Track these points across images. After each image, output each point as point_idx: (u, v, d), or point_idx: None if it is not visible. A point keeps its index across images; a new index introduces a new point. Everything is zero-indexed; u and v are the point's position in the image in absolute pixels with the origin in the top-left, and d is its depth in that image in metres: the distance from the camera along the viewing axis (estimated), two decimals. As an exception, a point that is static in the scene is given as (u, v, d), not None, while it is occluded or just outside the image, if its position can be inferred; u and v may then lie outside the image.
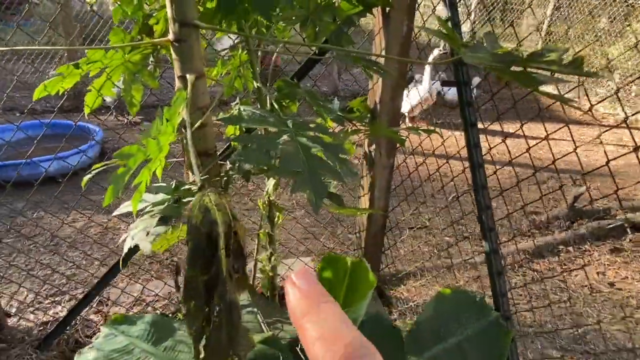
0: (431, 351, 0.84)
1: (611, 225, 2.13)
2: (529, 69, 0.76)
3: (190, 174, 1.01)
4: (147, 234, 0.80)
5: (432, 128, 1.24)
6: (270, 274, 1.24)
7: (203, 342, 0.50)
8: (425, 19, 1.23)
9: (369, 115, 1.35)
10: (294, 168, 0.72)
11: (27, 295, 1.62)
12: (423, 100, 3.93)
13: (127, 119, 3.68)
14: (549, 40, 5.14)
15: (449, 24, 0.99)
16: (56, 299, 1.62)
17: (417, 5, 1.19)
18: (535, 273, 1.89)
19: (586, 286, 1.79)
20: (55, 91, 1.01)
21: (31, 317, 1.53)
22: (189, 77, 0.86)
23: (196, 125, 0.90)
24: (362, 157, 1.47)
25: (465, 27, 5.64)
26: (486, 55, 0.78)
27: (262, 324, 0.94)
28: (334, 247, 2.03)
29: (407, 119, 4.19)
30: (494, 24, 6.19)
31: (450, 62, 1.09)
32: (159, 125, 0.83)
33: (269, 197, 1.16)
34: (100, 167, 0.91)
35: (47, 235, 2.03)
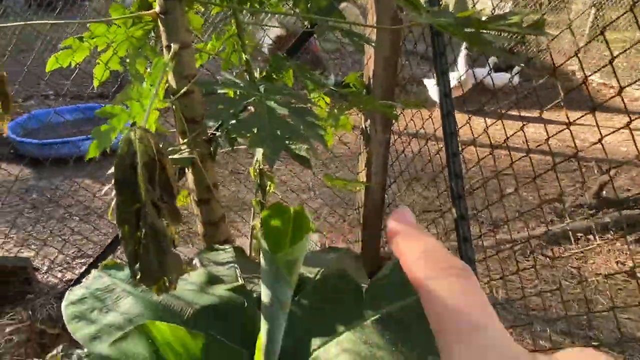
0: (390, 307, 0.87)
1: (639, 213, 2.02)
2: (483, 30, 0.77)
3: (180, 139, 1.09)
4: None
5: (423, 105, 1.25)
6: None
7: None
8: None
9: (364, 90, 1.37)
10: (254, 126, 0.77)
11: (57, 256, 1.80)
12: (454, 87, 3.83)
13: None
14: (597, 26, 4.83)
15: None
16: (82, 260, 1.79)
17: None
18: (548, 259, 1.84)
19: (601, 274, 1.72)
20: (66, 64, 1.11)
21: (58, 275, 1.70)
22: (174, 47, 0.93)
23: (181, 92, 0.98)
24: (360, 133, 1.50)
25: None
26: (447, 19, 0.79)
27: (239, 277, 1.01)
28: (341, 226, 2.07)
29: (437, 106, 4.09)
30: (540, 10, 5.90)
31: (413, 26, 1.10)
32: (139, 88, 0.91)
33: (259, 166, 1.22)
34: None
35: (80, 206, 2.22)
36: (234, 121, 0.84)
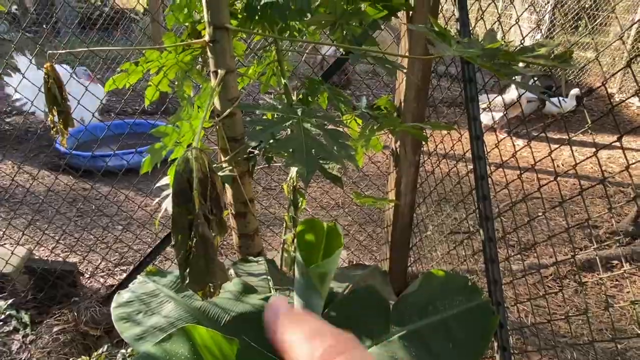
0: (415, 324, 0.90)
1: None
2: (512, 62, 0.81)
3: (222, 156, 1.17)
4: (175, 199, 0.97)
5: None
6: (293, 253, 1.36)
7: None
8: (447, 21, 1.29)
9: (394, 113, 1.42)
10: (292, 146, 0.84)
11: (100, 263, 1.91)
12: (508, 111, 3.78)
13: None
14: (637, 48, 4.71)
15: (458, 24, 1.04)
16: (123, 267, 1.89)
17: (439, 8, 1.26)
18: (580, 286, 1.80)
19: (638, 303, 1.67)
20: (122, 85, 1.22)
21: (101, 280, 1.81)
22: (220, 72, 1.02)
23: (225, 114, 1.06)
24: (389, 154, 1.54)
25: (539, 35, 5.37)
26: (476, 50, 0.84)
27: (271, 288, 1.07)
28: (369, 244, 2.10)
29: (494, 131, 4.00)
30: (577, 32, 5.81)
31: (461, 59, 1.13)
32: (189, 110, 1.00)
33: (293, 183, 1.28)
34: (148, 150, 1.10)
35: (123, 215, 2.34)
36: (272, 141, 0.91)
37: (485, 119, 3.82)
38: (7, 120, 4.09)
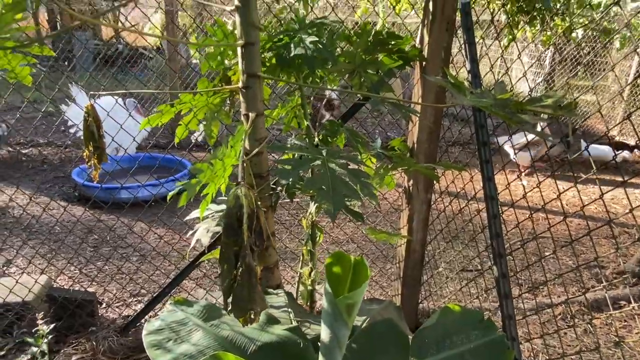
0: (434, 357, 0.94)
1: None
2: (520, 112, 0.89)
3: (247, 192, 1.24)
4: (207, 231, 1.03)
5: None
6: (310, 287, 1.41)
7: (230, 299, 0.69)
8: (458, 71, 1.39)
9: (407, 153, 1.51)
10: (319, 185, 0.91)
11: (115, 294, 1.94)
12: (536, 153, 3.87)
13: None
14: (636, 94, 4.87)
15: (469, 75, 1.14)
16: (138, 298, 1.92)
17: (450, 59, 1.37)
18: (589, 326, 1.81)
19: (647, 344, 1.68)
20: (155, 124, 1.32)
21: (117, 310, 1.83)
22: (251, 115, 1.11)
23: (253, 153, 1.14)
24: (402, 191, 1.61)
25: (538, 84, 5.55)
26: (489, 100, 0.93)
27: (292, 320, 1.11)
28: (379, 279, 2.12)
29: (522, 172, 4.06)
30: (577, 77, 6.02)
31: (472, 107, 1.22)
32: (224, 150, 1.08)
33: (312, 218, 1.34)
34: (182, 184, 1.18)
35: (135, 248, 2.39)
36: (290, 176, 0.98)
37: (521, 158, 3.91)
38: (24, 151, 4.21)
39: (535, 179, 3.86)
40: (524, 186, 3.64)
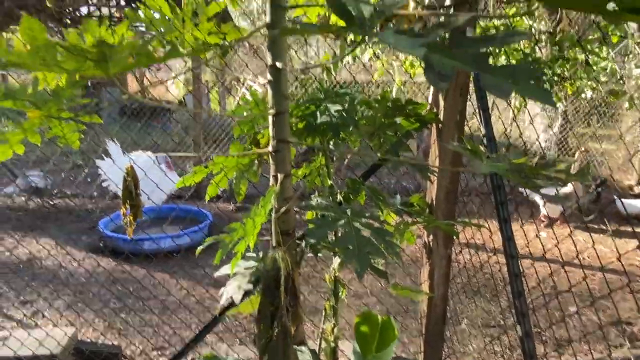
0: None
1: None
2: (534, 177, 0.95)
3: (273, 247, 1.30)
4: (239, 288, 1.08)
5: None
6: (332, 343, 1.42)
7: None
8: (472, 133, 1.47)
9: (426, 209, 1.56)
10: (345, 245, 0.96)
11: (138, 346, 1.96)
12: (564, 205, 3.90)
13: (233, 205, 4.27)
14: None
15: (484, 139, 1.21)
16: (161, 351, 1.93)
17: (465, 121, 1.45)
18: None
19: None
20: (189, 183, 1.41)
21: (140, 364, 1.85)
22: (280, 176, 1.19)
23: (282, 211, 1.21)
24: (422, 246, 1.65)
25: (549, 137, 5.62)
26: (504, 165, 0.99)
27: (318, 377, 1.12)
28: (400, 336, 2.10)
29: (554, 221, 4.06)
30: (590, 125, 6.07)
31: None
32: (256, 209, 1.15)
33: (334, 273, 1.38)
34: (211, 240, 1.25)
35: (157, 299, 2.43)
36: (318, 235, 1.03)
37: (550, 209, 3.92)
38: (52, 202, 4.40)
39: (557, 230, 3.82)
40: (539, 238, 3.62)
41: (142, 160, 3.36)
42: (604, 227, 3.78)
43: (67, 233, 3.61)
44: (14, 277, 2.75)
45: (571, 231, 1.08)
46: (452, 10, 1.21)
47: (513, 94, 0.48)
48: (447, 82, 0.48)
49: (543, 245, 1.18)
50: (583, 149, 4.12)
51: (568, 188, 3.91)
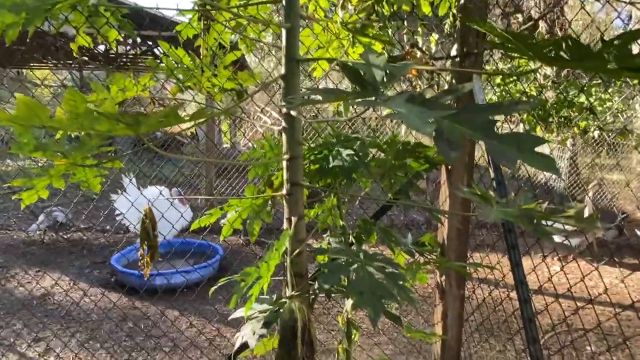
0: None
1: None
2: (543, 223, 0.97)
3: (287, 289, 1.31)
4: (254, 333, 1.09)
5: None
6: (346, 386, 1.41)
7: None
8: (482, 175, 1.50)
9: (438, 249, 1.57)
10: (359, 289, 0.98)
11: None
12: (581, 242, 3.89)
13: (241, 239, 4.28)
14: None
15: (494, 183, 1.24)
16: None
17: (474, 163, 1.48)
18: None
19: None
20: (205, 224, 1.45)
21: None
22: (293, 219, 1.22)
23: (295, 253, 1.23)
24: (434, 286, 1.64)
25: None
26: (513, 210, 1.01)
27: None
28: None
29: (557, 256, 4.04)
30: (600, 156, 6.06)
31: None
32: (270, 253, 1.17)
33: (347, 315, 1.38)
34: (224, 280, 1.27)
35: (168, 337, 2.42)
36: (332, 280, 1.05)
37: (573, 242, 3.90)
38: (66, 237, 4.46)
39: (573, 264, 3.76)
40: (550, 271, 3.55)
41: (153, 193, 3.43)
42: (628, 261, 3.72)
43: (79, 268, 3.64)
44: (27, 313, 2.77)
45: (597, 268, 1.07)
46: (457, 60, 1.26)
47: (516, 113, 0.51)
48: (457, 150, 0.51)
49: (552, 281, 1.18)
50: (596, 181, 4.11)
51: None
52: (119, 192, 3.47)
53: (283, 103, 1.15)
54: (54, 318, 2.68)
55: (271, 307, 1.22)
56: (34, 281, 3.18)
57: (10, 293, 3.12)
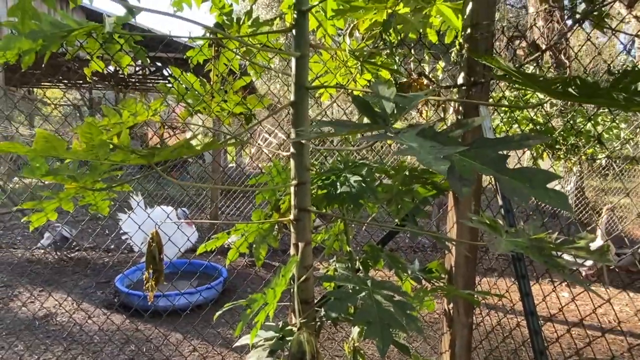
0: None
1: None
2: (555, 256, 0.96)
3: (293, 316, 1.29)
4: (259, 361, 1.07)
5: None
6: (353, 417, 1.37)
7: None
8: (489, 203, 1.49)
9: (445, 275, 1.55)
10: (367, 319, 0.96)
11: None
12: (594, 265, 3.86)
13: (246, 261, 4.26)
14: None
15: (502, 210, 1.23)
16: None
17: (483, 189, 1.48)
18: None
19: None
20: (210, 248, 1.44)
21: None
22: (300, 245, 1.21)
23: (301, 280, 1.22)
24: (442, 313, 1.62)
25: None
26: (523, 241, 1.00)
27: None
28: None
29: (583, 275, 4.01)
30: (606, 179, 6.03)
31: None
32: (277, 279, 1.17)
33: (354, 343, 1.36)
34: (229, 306, 1.26)
35: (172, 358, 2.39)
36: (339, 309, 1.04)
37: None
38: (70, 256, 4.45)
39: (577, 290, 3.70)
40: (559, 299, 3.50)
41: (159, 214, 3.43)
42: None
43: (83, 288, 3.62)
44: (29, 334, 2.74)
45: (609, 300, 1.06)
46: (464, 89, 1.28)
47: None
48: (469, 186, 0.51)
49: (561, 303, 1.16)
50: (609, 205, 4.07)
51: (597, 243, 3.83)
52: (127, 212, 3.48)
53: (293, 130, 1.17)
54: (56, 340, 2.65)
55: (277, 334, 1.21)
56: (37, 301, 3.16)
57: (13, 313, 3.10)
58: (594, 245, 3.87)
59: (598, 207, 5.66)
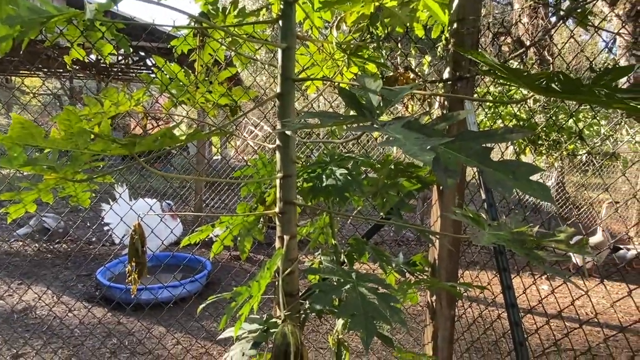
0: None
1: None
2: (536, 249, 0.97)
3: (277, 309, 1.29)
4: (243, 354, 1.07)
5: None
6: (336, 409, 1.38)
7: None
8: (473, 196, 1.51)
9: (429, 268, 1.57)
10: (351, 311, 0.97)
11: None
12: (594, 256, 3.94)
13: (230, 254, 4.24)
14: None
15: (485, 204, 1.25)
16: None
17: (466, 183, 1.49)
18: None
19: None
20: (194, 241, 1.43)
21: None
22: (285, 238, 1.21)
23: (286, 272, 1.22)
24: (425, 305, 1.64)
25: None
26: (505, 234, 1.02)
27: None
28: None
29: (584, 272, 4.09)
30: (585, 175, 6.16)
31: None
32: (262, 272, 1.16)
33: (337, 336, 1.37)
34: (213, 299, 1.25)
35: (153, 355, 2.36)
36: (324, 301, 1.04)
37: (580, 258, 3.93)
38: (50, 248, 4.36)
39: (556, 282, 3.80)
40: (539, 292, 3.59)
41: (143, 207, 3.38)
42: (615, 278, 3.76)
43: (63, 281, 3.55)
44: (7, 327, 2.68)
45: (587, 292, 1.08)
46: (450, 83, 1.28)
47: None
48: (454, 177, 0.51)
49: (540, 295, 1.19)
50: (610, 200, 4.16)
51: (598, 237, 3.91)
52: (110, 203, 3.41)
53: (279, 122, 1.16)
54: (36, 333, 2.60)
55: (261, 327, 1.20)
56: (16, 294, 3.09)
57: (-10, 306, 3.03)
58: (593, 240, 3.96)
59: (578, 202, 5.80)
